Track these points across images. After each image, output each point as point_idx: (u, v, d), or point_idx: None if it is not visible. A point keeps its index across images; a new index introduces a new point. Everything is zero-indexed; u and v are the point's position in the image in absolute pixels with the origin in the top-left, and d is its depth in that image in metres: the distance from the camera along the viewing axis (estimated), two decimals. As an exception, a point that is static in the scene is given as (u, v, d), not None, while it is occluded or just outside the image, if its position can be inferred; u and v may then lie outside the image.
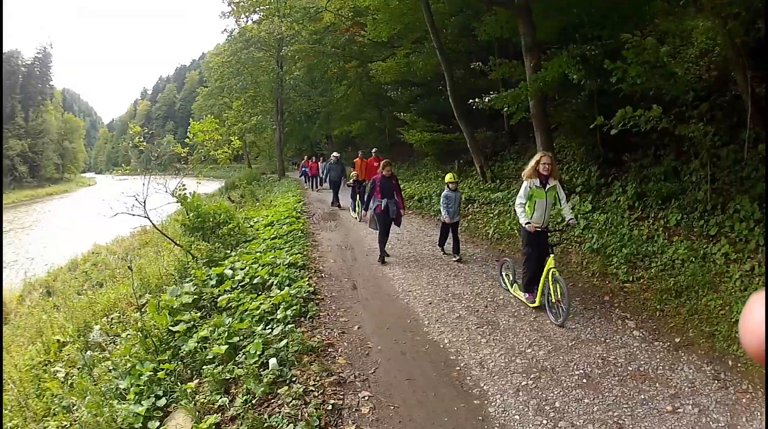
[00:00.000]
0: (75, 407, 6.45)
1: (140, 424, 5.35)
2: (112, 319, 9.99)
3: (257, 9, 36.48)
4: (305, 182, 32.32)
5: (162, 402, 5.72)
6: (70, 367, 8.42)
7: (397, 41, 23.58)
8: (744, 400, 5.17)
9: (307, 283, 8.94)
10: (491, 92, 12.90)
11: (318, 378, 5.78)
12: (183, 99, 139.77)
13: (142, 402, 5.65)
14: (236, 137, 31.19)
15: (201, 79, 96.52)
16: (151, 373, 6.26)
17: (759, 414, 4.93)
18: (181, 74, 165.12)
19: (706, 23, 9.94)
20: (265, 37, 35.88)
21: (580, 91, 12.67)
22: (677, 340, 6.53)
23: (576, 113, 12.85)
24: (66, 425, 6.20)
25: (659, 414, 4.97)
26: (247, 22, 38.01)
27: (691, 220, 8.54)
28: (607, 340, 6.63)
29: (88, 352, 8.11)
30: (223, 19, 39.57)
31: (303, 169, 32.88)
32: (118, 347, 8.02)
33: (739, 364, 5.79)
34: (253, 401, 5.35)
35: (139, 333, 7.51)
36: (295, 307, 7.70)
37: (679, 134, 8.72)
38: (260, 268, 9.60)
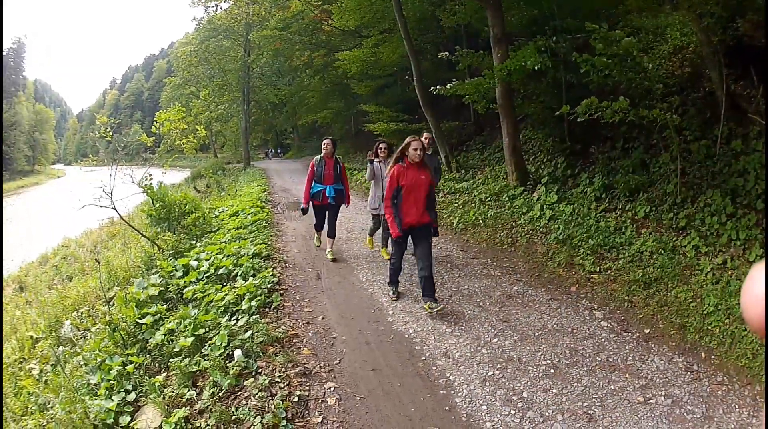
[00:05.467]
0: (50, 405, 6.29)
1: (112, 420, 5.22)
2: (81, 313, 9.69)
3: (225, -3, 36.27)
4: (319, 225, 10.84)
5: (132, 396, 5.59)
6: (44, 363, 8.24)
7: (365, 30, 23.46)
8: (720, 392, 5.09)
9: (271, 273, 8.77)
10: (454, 79, 12.75)
11: (283, 369, 5.66)
12: (151, 88, 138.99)
13: (113, 397, 5.52)
14: (202, 127, 30.83)
15: (169, 69, 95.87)
16: (120, 367, 6.11)
17: (737, 406, 4.85)
18: (149, 63, 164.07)
19: (681, 20, 9.93)
20: (233, 24, 35.72)
21: (548, 82, 12.63)
22: (647, 331, 6.45)
23: (544, 105, 12.81)
24: (43, 423, 6.02)
25: (630, 404, 4.88)
26: (216, 10, 37.82)
27: (660, 212, 8.49)
28: (575, 331, 6.54)
29: (60, 348, 7.91)
30: (192, 8, 39.15)
31: (322, 186, 10.05)
32: (88, 342, 7.80)
33: (712, 356, 5.72)
34: (220, 394, 5.23)
35: (107, 327, 7.33)
36: (259, 298, 7.55)
37: (648, 125, 8.70)
38: (225, 258, 9.40)
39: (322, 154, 10.18)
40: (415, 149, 7.24)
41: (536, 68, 10.21)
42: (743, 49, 8.43)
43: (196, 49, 39.80)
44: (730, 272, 6.61)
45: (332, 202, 10.14)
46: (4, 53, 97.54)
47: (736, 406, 4.85)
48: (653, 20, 10.84)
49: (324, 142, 10.27)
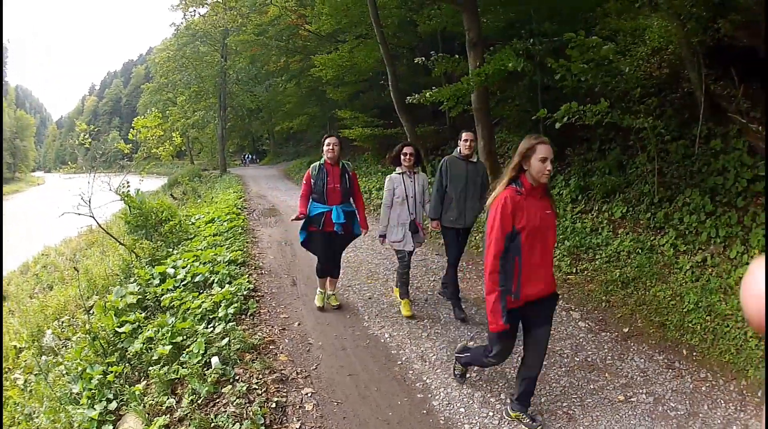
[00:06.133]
0: (36, 414, 6.29)
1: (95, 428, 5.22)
2: (62, 322, 9.71)
3: (206, 2, 36.11)
4: (323, 268, 7.78)
5: (113, 405, 5.56)
6: (27, 373, 8.20)
7: (341, 35, 23.50)
8: (703, 388, 5.07)
9: (247, 280, 8.71)
10: (433, 87, 12.71)
11: (261, 376, 5.63)
12: (129, 94, 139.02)
13: (95, 406, 5.51)
14: (178, 134, 30.72)
15: (147, 75, 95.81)
16: (101, 376, 6.08)
17: (722, 402, 4.83)
18: (128, 69, 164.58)
19: (660, 22, 9.93)
20: (210, 30, 35.67)
21: (524, 85, 12.62)
22: (625, 330, 6.42)
23: (519, 108, 12.80)
24: (29, 433, 6.02)
25: (611, 403, 4.86)
26: (195, 15, 37.76)
27: (637, 212, 8.49)
28: (552, 332, 6.44)
29: (43, 358, 7.93)
30: (172, 11, 39.02)
31: (324, 207, 7.08)
32: (69, 351, 7.75)
33: (694, 353, 5.70)
34: (199, 401, 5.20)
35: (87, 336, 7.28)
36: (235, 305, 7.49)
37: (627, 127, 8.68)
38: (201, 265, 9.32)
39: (321, 160, 7.05)
40: (544, 160, 3.93)
41: (518, 70, 10.18)
42: (724, 49, 8.43)
43: (173, 55, 39.76)
44: (710, 270, 6.59)
45: (339, 230, 7.09)
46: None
47: (722, 402, 4.84)
48: (632, 22, 10.85)
49: (328, 140, 7.00)
